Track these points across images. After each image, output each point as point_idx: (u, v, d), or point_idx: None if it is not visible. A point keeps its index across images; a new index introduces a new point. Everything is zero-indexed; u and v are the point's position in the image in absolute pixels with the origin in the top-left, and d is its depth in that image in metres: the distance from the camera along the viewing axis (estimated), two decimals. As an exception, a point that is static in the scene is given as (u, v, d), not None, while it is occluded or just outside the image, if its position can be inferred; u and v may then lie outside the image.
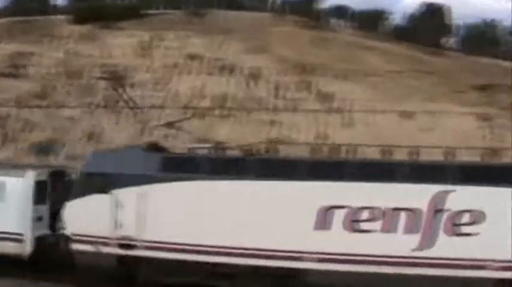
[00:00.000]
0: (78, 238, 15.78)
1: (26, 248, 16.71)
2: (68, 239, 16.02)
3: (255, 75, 38.58)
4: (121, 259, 15.55)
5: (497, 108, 39.05)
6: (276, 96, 36.17)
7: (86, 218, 15.60)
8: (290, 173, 14.42)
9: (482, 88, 42.92)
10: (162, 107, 32.61)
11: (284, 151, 17.06)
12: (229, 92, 36.96)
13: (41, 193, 16.77)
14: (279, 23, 49.34)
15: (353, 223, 13.83)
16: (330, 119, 31.33)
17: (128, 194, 15.23)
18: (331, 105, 33.68)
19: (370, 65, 43.02)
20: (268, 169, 14.75)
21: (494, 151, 32.59)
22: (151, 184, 14.99)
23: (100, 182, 15.49)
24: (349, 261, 13.61)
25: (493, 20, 67.86)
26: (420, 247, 13.37)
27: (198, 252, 14.75)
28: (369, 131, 29.10)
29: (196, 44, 42.87)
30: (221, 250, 14.56)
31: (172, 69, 40.06)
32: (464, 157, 29.87)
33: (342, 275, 13.59)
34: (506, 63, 53.48)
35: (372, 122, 29.97)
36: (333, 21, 60.24)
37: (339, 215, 13.80)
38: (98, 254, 15.57)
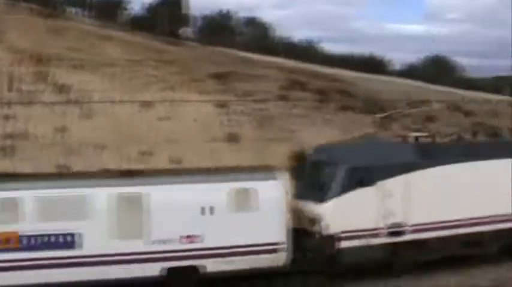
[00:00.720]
0: (345, 235, 15.68)
1: (282, 258, 15.31)
2: (332, 238, 15.59)
3: (-15, 66, 35.39)
4: (388, 247, 16.45)
5: (234, 96, 42.77)
6: (10, 89, 33.69)
7: (352, 213, 15.71)
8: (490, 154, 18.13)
9: (219, 76, 46.40)
10: None
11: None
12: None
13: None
14: (13, 11, 46.10)
15: None
16: (68, 111, 30.48)
17: (394, 183, 16.26)
18: (69, 97, 32.84)
19: (108, 55, 43.05)
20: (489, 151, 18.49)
21: (233, 136, 35.86)
22: (414, 171, 16.59)
23: (364, 175, 15.92)
24: None
25: (228, 11, 73.97)
26: None
27: (452, 227, 17.17)
28: (108, 122, 29.24)
29: None
30: (469, 221, 17.39)
31: None
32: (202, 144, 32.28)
33: None
34: (241, 53, 58.97)
35: (111, 113, 30.12)
36: (71, 9, 58.56)
37: None
38: (365, 248, 15.97)
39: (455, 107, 48.19)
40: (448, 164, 17.33)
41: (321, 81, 48.25)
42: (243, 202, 15.20)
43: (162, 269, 14.70)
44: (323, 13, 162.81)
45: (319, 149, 18.02)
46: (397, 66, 73.73)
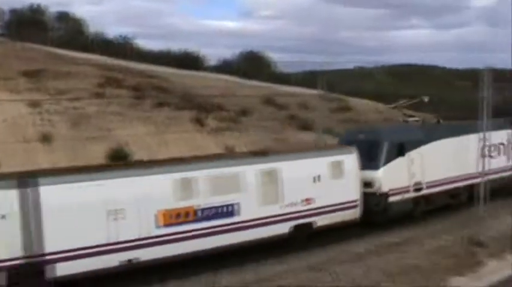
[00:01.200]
0: (392, 192, 22.79)
1: (358, 212, 22.15)
2: (385, 195, 22.66)
3: None
4: (413, 200, 24.15)
5: (47, 94, 42.16)
6: None
7: (394, 176, 22.92)
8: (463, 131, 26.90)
9: (31, 74, 45.12)
10: None
11: None
12: None
13: None
14: None
15: None
16: None
17: (415, 154, 23.82)
18: None
19: None
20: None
21: (46, 136, 35.56)
22: (424, 145, 24.25)
23: (399, 148, 23.26)
24: None
25: (39, 6, 70.91)
26: None
27: (445, 184, 25.82)
28: None
29: None
30: (454, 179, 26.27)
31: None
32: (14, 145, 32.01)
33: None
34: (54, 49, 57.43)
35: None
36: None
37: None
38: (403, 201, 23.40)
39: (269, 100, 52.05)
40: (440, 140, 25.67)
41: (136, 78, 48.81)
42: (337, 171, 21.46)
43: (290, 227, 20.14)
44: (138, 9, 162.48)
45: (360, 132, 25.33)
46: (212, 62, 74.87)
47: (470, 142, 26.71)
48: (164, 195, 16.98)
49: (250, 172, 19.03)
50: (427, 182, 24.71)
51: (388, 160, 23.10)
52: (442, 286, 18.79)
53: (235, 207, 18.61)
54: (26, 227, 14.72)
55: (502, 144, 29.05)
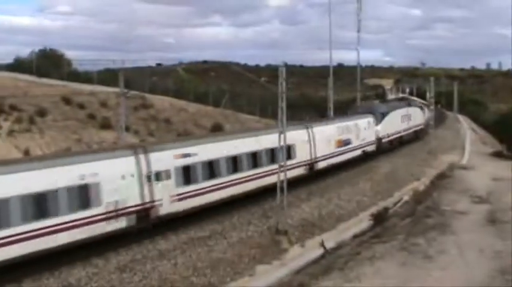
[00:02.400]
0: (383, 138, 45.39)
1: (374, 147, 43.44)
2: (380, 139, 44.68)
3: None
4: (386, 144, 46.70)
5: None
6: None
7: (384, 129, 45.59)
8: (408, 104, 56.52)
9: None
10: None
11: None
12: None
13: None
14: None
15: None
16: None
17: (388, 117, 46.90)
18: None
19: None
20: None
21: None
22: (389, 113, 47.55)
23: (383, 115, 46.04)
24: None
25: None
26: None
27: (399, 133, 50.89)
28: None
29: None
30: (403, 132, 52.53)
31: None
32: None
33: None
34: None
35: None
36: None
37: None
38: (386, 141, 46.37)
39: (67, 100, 50.05)
40: (394, 111, 49.09)
41: None
42: (368, 125, 42.19)
43: (361, 151, 41.25)
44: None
45: (364, 105, 50.72)
46: (7, 60, 70.96)
47: (415, 110, 58.03)
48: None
49: (361, 124, 41.08)
50: (393, 133, 48.32)
51: (382, 120, 45.36)
52: (249, 274, 20.15)
53: (351, 139, 38.87)
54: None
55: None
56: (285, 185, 25.12)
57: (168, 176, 23.43)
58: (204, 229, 24.11)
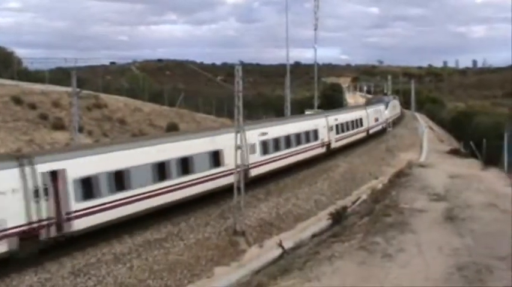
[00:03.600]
0: (388, 118, 67.65)
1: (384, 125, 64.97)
2: (387, 119, 66.70)
3: None
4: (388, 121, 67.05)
5: None
6: None
7: (387, 113, 68.25)
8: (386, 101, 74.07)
9: None
10: None
11: None
12: None
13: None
14: None
15: None
16: None
17: (387, 107, 70.05)
18: None
19: None
20: None
21: None
22: (388, 105, 71.98)
23: (387, 105, 70.25)
24: None
25: None
26: None
27: (391, 117, 73.15)
28: None
29: None
30: (392, 116, 76.58)
31: None
32: None
33: None
34: None
35: None
36: None
37: None
38: (388, 122, 66.38)
39: (17, 99, 48.81)
40: (392, 101, 77.15)
41: None
42: (379, 113, 63.34)
43: (382, 127, 64.60)
44: None
45: (376, 98, 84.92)
46: None
47: (395, 103, 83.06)
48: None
49: (382, 109, 65.15)
50: (391, 116, 69.22)
51: (386, 108, 67.03)
52: (207, 276, 20.08)
53: (379, 118, 62.69)
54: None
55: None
56: (242, 185, 25.13)
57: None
58: (160, 230, 23.90)
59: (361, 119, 53.51)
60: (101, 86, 68.25)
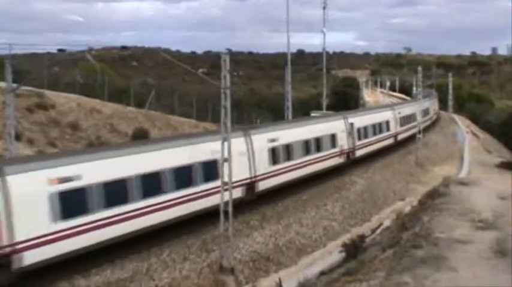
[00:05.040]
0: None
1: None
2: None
3: None
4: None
5: None
6: None
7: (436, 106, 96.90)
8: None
9: None
10: None
11: None
12: None
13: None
14: None
15: None
16: None
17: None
18: None
19: None
20: None
21: None
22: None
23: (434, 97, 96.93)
24: None
25: None
26: None
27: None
28: None
29: None
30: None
31: None
32: None
33: None
34: None
35: None
36: None
37: None
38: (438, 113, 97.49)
39: None
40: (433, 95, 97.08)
41: None
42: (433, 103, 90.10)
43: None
44: None
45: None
46: None
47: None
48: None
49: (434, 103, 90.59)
50: (436, 109, 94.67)
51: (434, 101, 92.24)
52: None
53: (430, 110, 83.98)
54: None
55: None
56: (230, 208, 25.03)
57: None
58: (124, 267, 23.82)
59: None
60: (46, 81, 68.00)
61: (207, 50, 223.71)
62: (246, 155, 32.57)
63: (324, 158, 40.34)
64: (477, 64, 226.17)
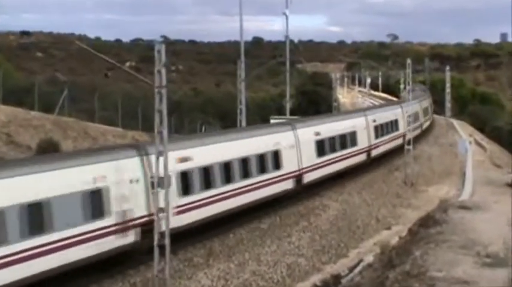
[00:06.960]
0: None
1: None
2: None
3: None
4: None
5: None
6: None
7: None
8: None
9: None
10: None
11: None
12: None
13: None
14: None
15: None
16: None
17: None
18: None
19: None
20: None
21: None
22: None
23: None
24: None
25: None
26: None
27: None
28: None
29: None
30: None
31: None
32: None
33: None
34: None
35: None
36: None
37: None
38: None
39: None
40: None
41: None
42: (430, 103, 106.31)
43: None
44: None
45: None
46: None
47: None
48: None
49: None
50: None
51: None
52: None
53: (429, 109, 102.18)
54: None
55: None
56: (167, 241, 24.97)
57: None
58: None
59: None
60: None
61: (136, 38, 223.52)
62: (295, 148, 42.60)
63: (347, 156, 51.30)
64: (482, 55, 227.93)
